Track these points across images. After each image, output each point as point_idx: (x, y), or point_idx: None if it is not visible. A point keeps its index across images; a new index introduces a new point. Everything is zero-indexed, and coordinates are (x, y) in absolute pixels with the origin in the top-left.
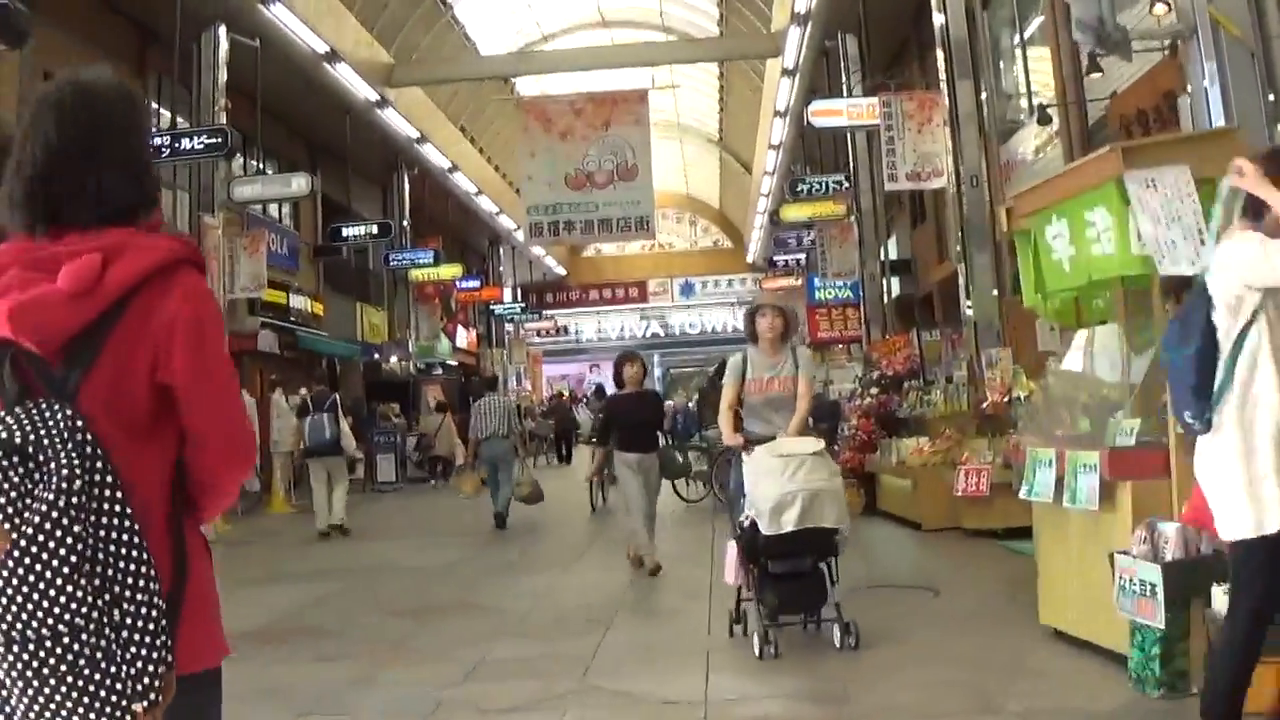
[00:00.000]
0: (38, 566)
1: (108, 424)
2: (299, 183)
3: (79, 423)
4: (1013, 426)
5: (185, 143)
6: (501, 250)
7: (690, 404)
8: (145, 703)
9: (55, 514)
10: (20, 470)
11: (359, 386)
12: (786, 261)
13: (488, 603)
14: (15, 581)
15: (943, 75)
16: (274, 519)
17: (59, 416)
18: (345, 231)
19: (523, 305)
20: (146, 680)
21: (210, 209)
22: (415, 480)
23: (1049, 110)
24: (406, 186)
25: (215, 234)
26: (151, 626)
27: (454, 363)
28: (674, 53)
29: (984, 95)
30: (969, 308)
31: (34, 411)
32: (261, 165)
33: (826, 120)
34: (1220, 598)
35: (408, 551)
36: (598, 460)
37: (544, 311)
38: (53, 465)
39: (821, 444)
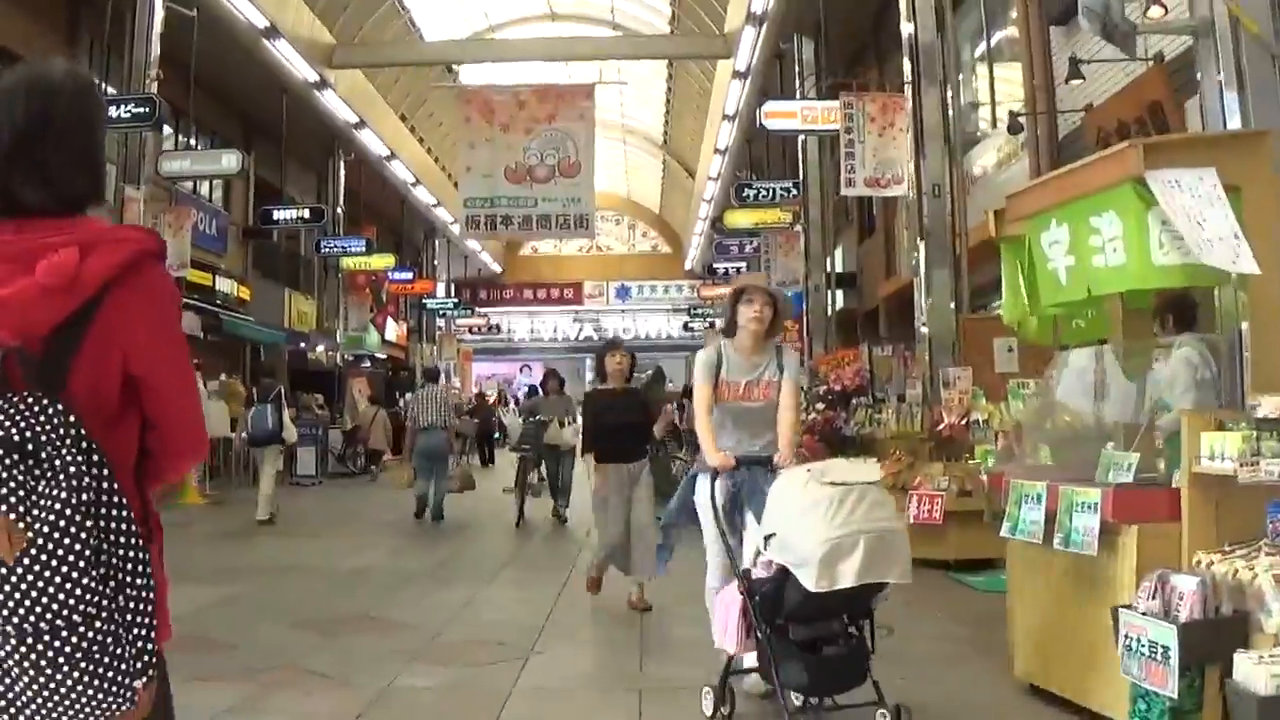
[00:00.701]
0: (53, 563)
1: (89, 409)
2: (230, 160)
3: (72, 418)
4: (968, 452)
5: (112, 111)
6: (437, 243)
7: None
8: (144, 679)
9: (69, 512)
10: (21, 467)
11: (283, 375)
12: (727, 270)
13: (401, 616)
14: (30, 578)
15: (908, 80)
16: (185, 511)
17: (52, 412)
18: (276, 214)
19: (456, 300)
20: (145, 658)
21: (136, 182)
22: (337, 475)
23: (1020, 119)
24: (343, 173)
25: (136, 207)
26: (149, 608)
27: (383, 355)
28: (623, 48)
29: (948, 104)
30: (923, 324)
31: (23, 406)
32: (194, 142)
33: (780, 123)
34: (1245, 665)
35: (323, 552)
36: (596, 480)
37: (477, 308)
38: (58, 464)
39: (879, 470)
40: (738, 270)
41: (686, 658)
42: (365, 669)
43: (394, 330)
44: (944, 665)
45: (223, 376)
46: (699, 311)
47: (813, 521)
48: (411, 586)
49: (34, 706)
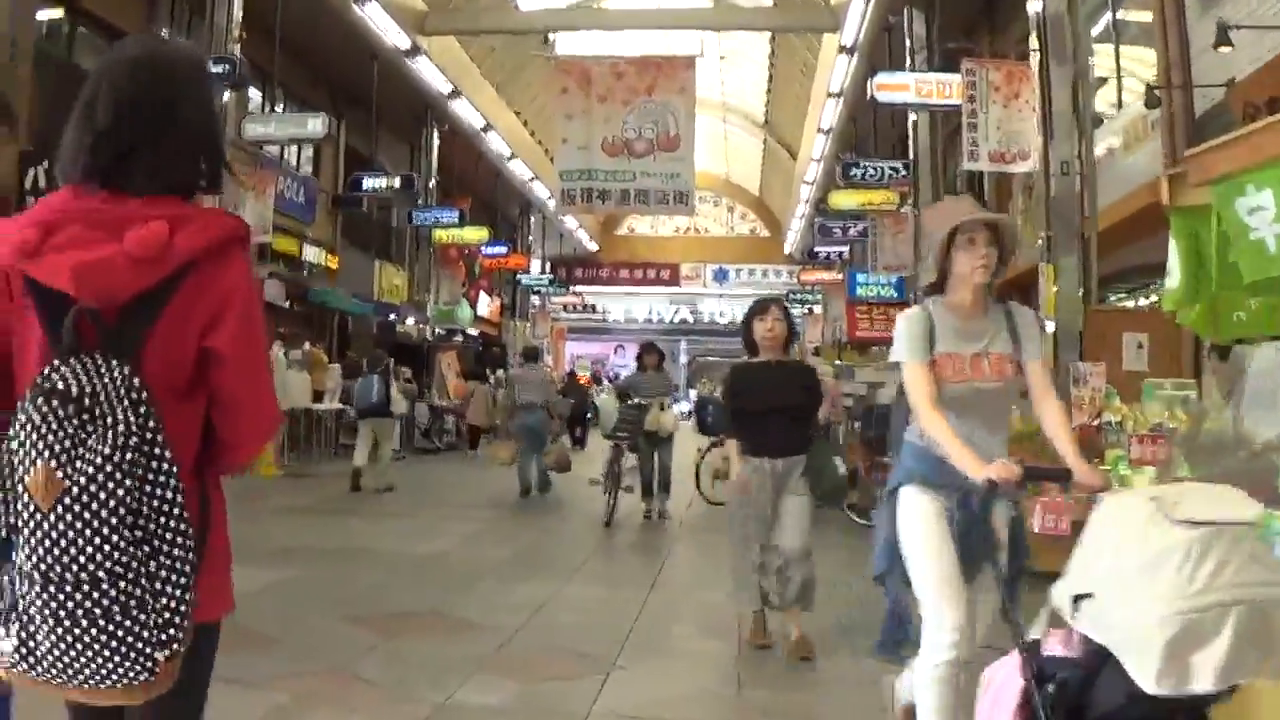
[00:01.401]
0: (86, 515)
1: (157, 383)
2: (315, 124)
3: (135, 380)
4: (1098, 456)
5: None
6: (532, 220)
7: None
8: (168, 651)
9: (109, 468)
10: (75, 420)
11: (371, 348)
12: (828, 254)
13: (469, 615)
14: (61, 527)
15: (1033, 49)
16: (259, 483)
17: (115, 373)
18: (366, 183)
19: (550, 277)
20: (171, 630)
21: None
22: (422, 450)
23: (1156, 93)
24: (436, 143)
25: None
26: (183, 580)
27: (474, 331)
28: (725, 19)
29: (1077, 79)
30: (1046, 315)
31: (89, 365)
32: (281, 109)
33: (891, 96)
34: None
35: (394, 534)
36: (713, 461)
37: (572, 286)
38: (108, 420)
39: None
40: (840, 256)
41: (796, 682)
42: (422, 678)
43: (487, 306)
44: None
45: (306, 345)
46: (797, 297)
47: (1159, 582)
48: (485, 580)
49: (51, 658)
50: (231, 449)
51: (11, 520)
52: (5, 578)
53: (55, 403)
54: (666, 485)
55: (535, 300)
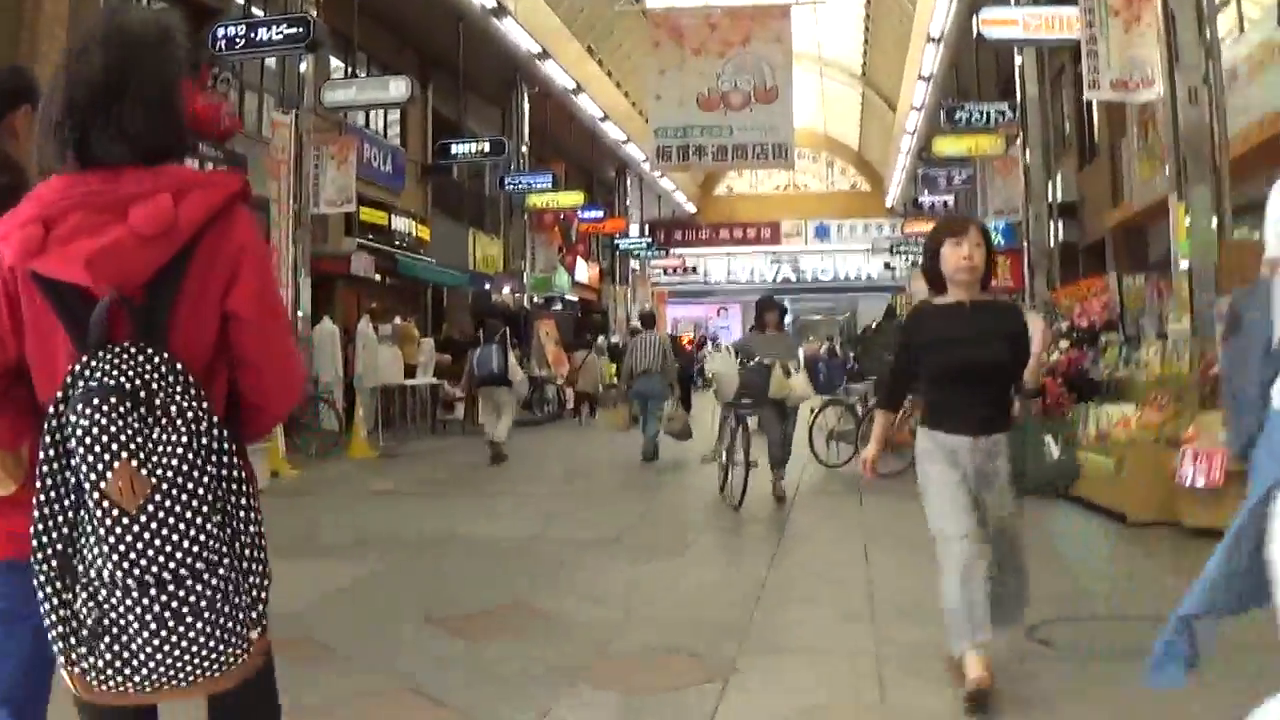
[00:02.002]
0: (177, 508)
1: (189, 360)
2: (398, 87)
3: (179, 365)
4: None
5: (262, 33)
6: (629, 182)
7: (830, 349)
8: (260, 628)
9: (191, 457)
10: (137, 415)
11: (466, 319)
12: (933, 204)
13: (563, 609)
14: (155, 526)
15: None
16: (350, 465)
17: (159, 361)
18: (455, 149)
19: (649, 241)
20: (260, 607)
21: (286, 107)
22: (521, 423)
23: None
24: (526, 106)
25: (286, 132)
26: (262, 554)
27: (573, 298)
28: None
29: None
30: (1179, 250)
31: (127, 356)
32: (365, 75)
33: (1000, 32)
34: None
35: (485, 515)
36: (879, 433)
37: (671, 249)
38: (173, 410)
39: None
40: (944, 205)
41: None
42: (503, 694)
43: (585, 272)
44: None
45: (396, 320)
46: (901, 250)
47: None
48: (582, 564)
49: (154, 662)
50: (258, 412)
51: (69, 534)
52: (72, 595)
53: (114, 400)
54: (783, 461)
55: (634, 265)
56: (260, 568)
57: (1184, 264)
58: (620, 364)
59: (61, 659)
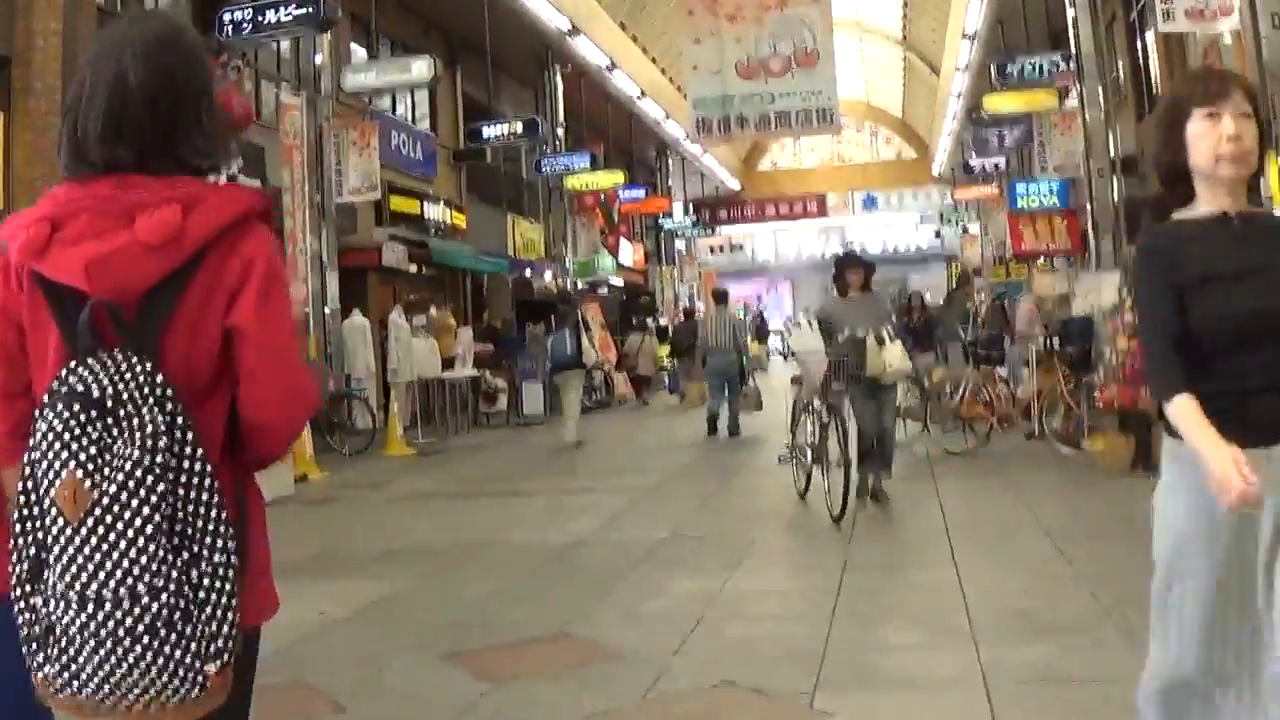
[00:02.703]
0: (119, 525)
1: (182, 376)
2: (420, 68)
3: (159, 377)
4: None
5: (270, 15)
6: (670, 161)
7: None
8: (218, 663)
9: (140, 472)
10: (99, 424)
11: (507, 307)
12: (984, 166)
13: (608, 634)
14: (94, 541)
15: None
16: (385, 465)
17: (138, 369)
18: (486, 131)
19: (694, 219)
20: (220, 641)
21: (313, 102)
22: None
23: None
24: (559, 86)
25: (295, 116)
26: (227, 586)
27: (618, 281)
28: None
29: None
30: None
31: (110, 363)
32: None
33: None
34: None
35: (529, 518)
36: (1210, 443)
37: (716, 228)
38: (135, 421)
39: None
40: (995, 167)
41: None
42: None
43: (629, 254)
44: None
45: (432, 310)
46: (951, 217)
47: None
48: (630, 575)
49: (99, 676)
50: (261, 432)
51: (41, 538)
52: (38, 600)
53: (76, 407)
54: (889, 455)
55: (680, 245)
56: (223, 600)
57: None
58: (673, 345)
59: (29, 661)
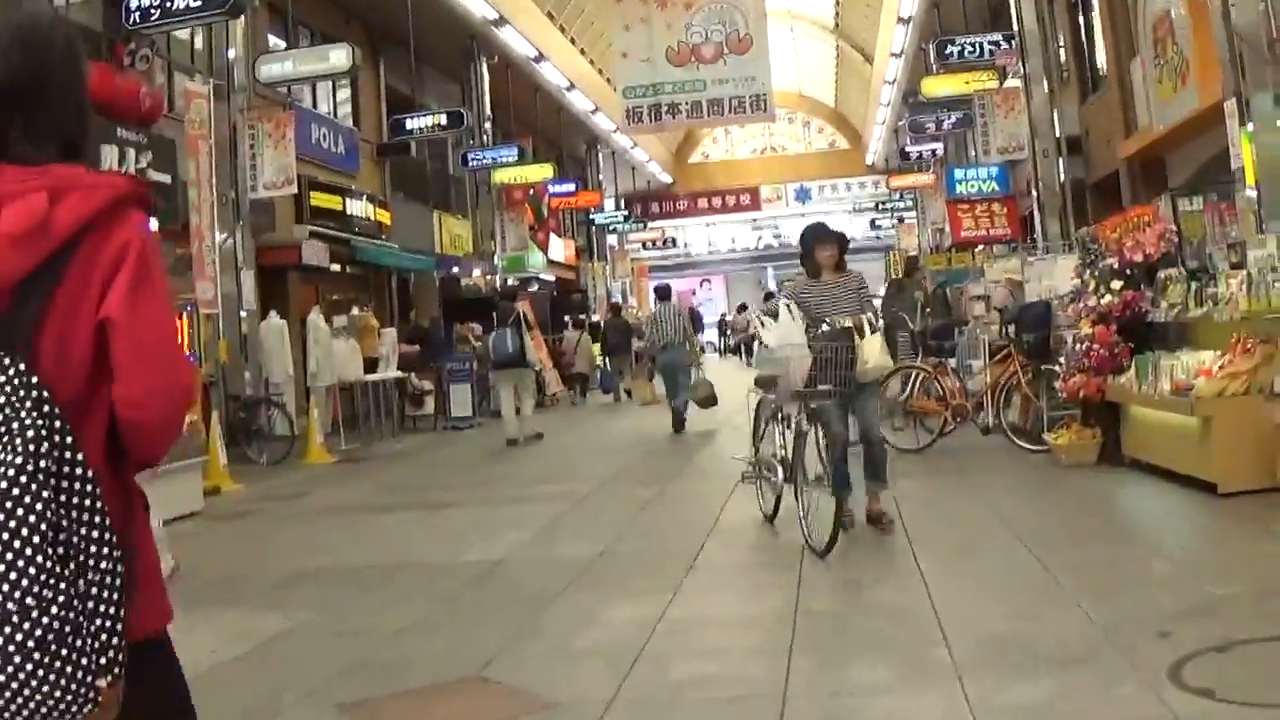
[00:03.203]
0: (5, 536)
1: (58, 376)
2: (339, 56)
3: (34, 379)
4: None
5: (178, 1)
6: (600, 155)
7: None
8: (110, 676)
9: (25, 480)
10: None
11: (435, 305)
12: (920, 154)
13: (535, 679)
14: None
15: None
16: (305, 474)
17: (12, 371)
18: (410, 123)
19: (626, 214)
20: (110, 653)
21: (226, 94)
22: (498, 412)
23: None
24: (486, 78)
25: (201, 105)
26: (115, 595)
27: (549, 277)
28: None
29: None
30: (1239, 162)
31: None
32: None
33: None
34: None
35: (451, 533)
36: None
37: (649, 222)
38: (15, 426)
39: None
40: (933, 154)
41: None
42: None
43: (560, 250)
44: None
45: (354, 310)
46: (887, 207)
47: None
48: (560, 600)
49: None
50: (135, 432)
51: None
52: None
53: None
54: (880, 467)
55: (612, 241)
56: (112, 609)
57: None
58: (604, 343)
59: None
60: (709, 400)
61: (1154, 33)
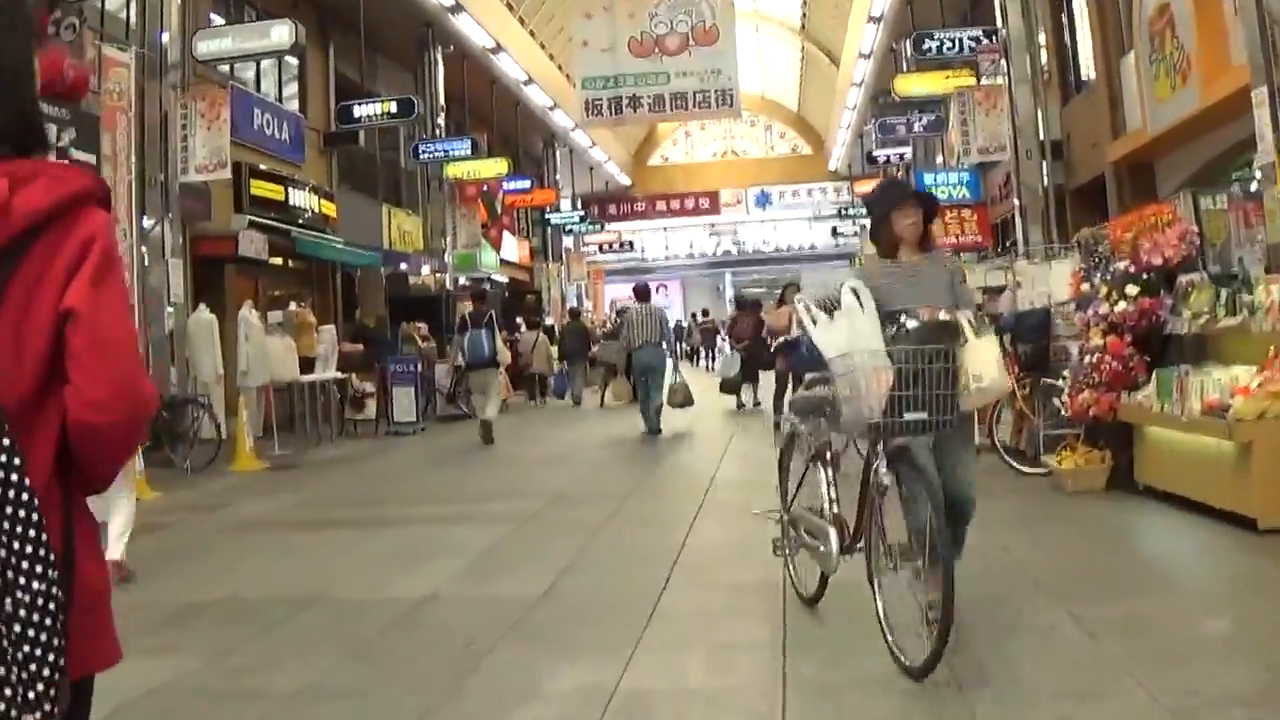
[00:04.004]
0: None
1: (10, 369)
2: (280, 33)
3: None
4: None
5: None
6: (558, 155)
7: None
8: (38, 714)
9: None
10: None
11: (381, 304)
12: (889, 157)
13: None
14: None
15: None
16: (231, 482)
17: None
18: (358, 111)
19: (582, 214)
20: (41, 686)
21: (158, 72)
22: (448, 418)
23: None
24: (440, 67)
25: (121, 74)
26: (48, 621)
27: (502, 277)
28: None
29: None
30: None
31: None
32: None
33: None
34: None
35: (374, 559)
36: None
37: (606, 223)
38: None
39: None
40: (900, 158)
41: None
42: None
43: (514, 250)
44: None
45: (293, 305)
46: (850, 213)
47: None
48: (491, 657)
49: None
50: (93, 436)
51: None
52: None
53: None
54: (962, 535)
55: (568, 242)
56: (44, 637)
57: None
58: (560, 346)
59: None
60: (685, 402)
61: (1150, 27)
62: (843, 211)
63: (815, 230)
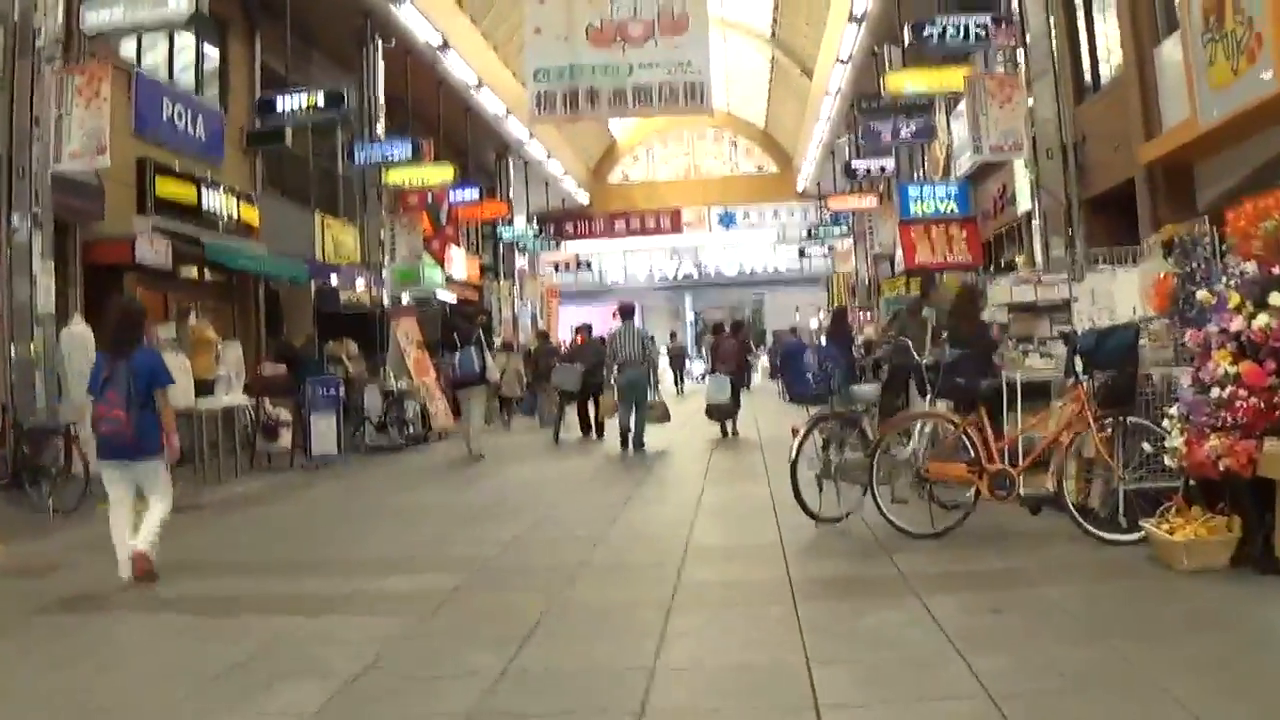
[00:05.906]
0: None
1: None
2: (179, 2)
3: None
4: None
5: None
6: (511, 168)
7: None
8: None
9: None
10: None
11: (309, 321)
12: (869, 170)
13: None
14: None
15: None
16: (96, 531)
17: None
18: (281, 104)
19: (536, 230)
20: None
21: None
22: (377, 450)
23: None
24: (380, 65)
25: None
26: None
27: (449, 296)
28: None
29: None
30: None
31: None
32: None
33: None
34: None
35: (222, 662)
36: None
37: (562, 242)
38: None
39: None
40: (881, 170)
41: None
42: None
43: (463, 266)
44: None
45: (193, 318)
46: (818, 234)
47: None
48: None
49: None
50: None
51: None
52: None
53: None
54: None
55: (521, 262)
56: None
57: None
58: (535, 368)
59: None
60: (663, 418)
61: (1204, 1)
62: (811, 232)
63: (781, 253)
